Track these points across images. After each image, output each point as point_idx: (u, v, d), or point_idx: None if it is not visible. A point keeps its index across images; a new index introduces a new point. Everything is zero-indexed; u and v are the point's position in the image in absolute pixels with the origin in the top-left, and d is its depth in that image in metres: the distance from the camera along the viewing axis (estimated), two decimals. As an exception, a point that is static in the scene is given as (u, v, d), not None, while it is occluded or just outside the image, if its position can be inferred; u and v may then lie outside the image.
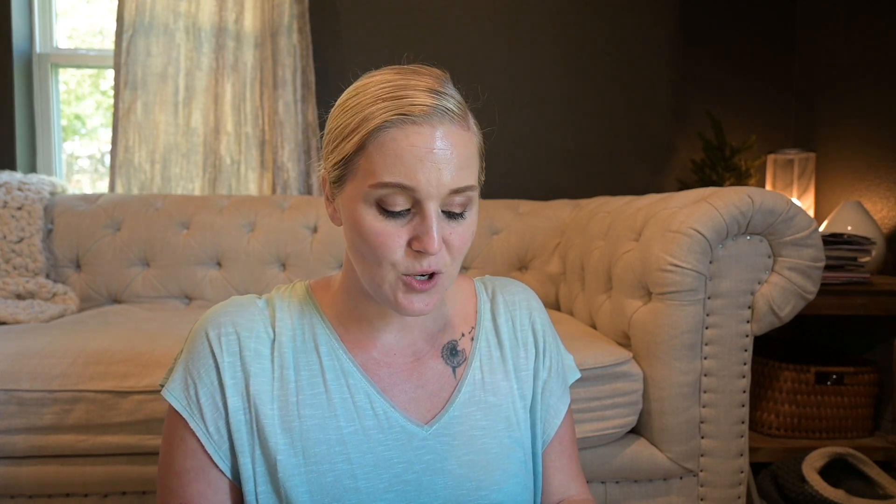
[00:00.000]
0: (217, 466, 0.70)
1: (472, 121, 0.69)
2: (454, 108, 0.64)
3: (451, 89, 0.66)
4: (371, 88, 0.65)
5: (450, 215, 0.66)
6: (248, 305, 0.74)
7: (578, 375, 0.87)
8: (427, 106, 0.62)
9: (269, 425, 0.69)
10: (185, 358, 0.71)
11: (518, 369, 0.79)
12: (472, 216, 0.68)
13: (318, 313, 0.75)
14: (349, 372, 0.72)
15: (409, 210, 0.64)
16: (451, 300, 0.80)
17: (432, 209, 0.63)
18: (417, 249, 0.64)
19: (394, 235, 0.64)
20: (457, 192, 0.64)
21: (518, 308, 0.82)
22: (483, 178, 0.73)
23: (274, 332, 0.73)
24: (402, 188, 0.62)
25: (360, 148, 0.64)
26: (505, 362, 0.78)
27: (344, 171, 0.66)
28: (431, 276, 0.66)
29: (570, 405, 0.83)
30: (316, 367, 0.72)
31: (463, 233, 0.66)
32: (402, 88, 0.63)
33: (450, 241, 0.66)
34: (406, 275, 0.65)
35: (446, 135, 0.63)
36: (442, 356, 0.77)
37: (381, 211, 0.64)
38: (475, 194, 0.67)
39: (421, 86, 0.64)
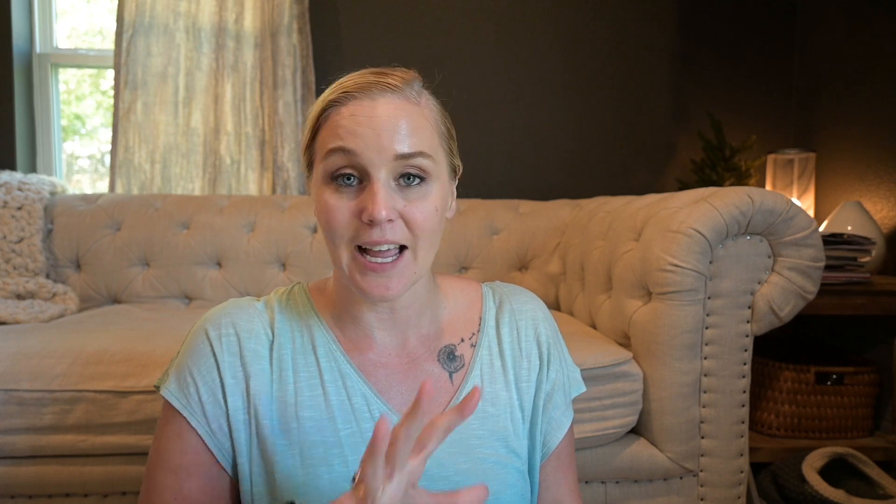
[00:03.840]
0: (219, 464, 0.70)
1: (427, 98, 0.69)
2: (397, 83, 0.66)
3: (403, 74, 0.68)
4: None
5: (404, 186, 0.66)
6: (247, 307, 0.74)
7: (584, 389, 0.86)
8: (365, 82, 0.66)
9: (269, 426, 0.69)
10: (185, 357, 0.71)
11: (519, 380, 0.78)
12: (433, 190, 0.67)
13: (315, 316, 0.75)
14: (347, 374, 0.72)
15: (360, 183, 0.65)
16: (451, 303, 0.79)
17: (379, 177, 0.64)
18: (366, 220, 0.63)
19: (343, 209, 0.65)
20: (404, 157, 0.64)
21: (524, 318, 0.80)
22: (459, 164, 0.74)
23: (273, 333, 0.73)
24: (345, 152, 0.64)
25: (315, 132, 0.68)
26: (506, 372, 0.77)
27: (309, 159, 0.70)
28: (397, 255, 0.66)
29: (573, 419, 0.82)
30: (314, 369, 0.72)
31: (425, 208, 0.66)
32: (350, 77, 0.67)
33: (407, 214, 0.65)
34: (358, 246, 0.65)
35: (388, 105, 0.65)
36: (438, 360, 0.76)
37: (334, 187, 0.66)
38: (433, 166, 0.67)
39: (367, 70, 0.68)
